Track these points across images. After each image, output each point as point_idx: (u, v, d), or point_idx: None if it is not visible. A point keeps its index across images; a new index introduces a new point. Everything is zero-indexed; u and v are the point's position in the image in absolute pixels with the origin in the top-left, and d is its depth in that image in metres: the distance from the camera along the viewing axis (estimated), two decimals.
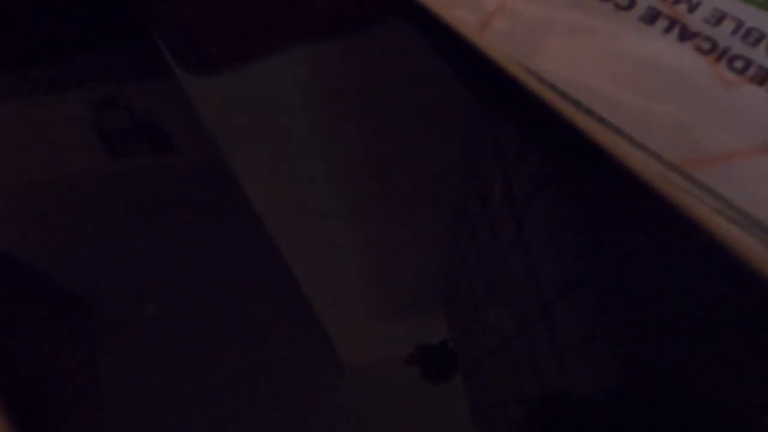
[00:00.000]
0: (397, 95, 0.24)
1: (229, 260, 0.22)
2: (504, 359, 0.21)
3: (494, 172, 0.23)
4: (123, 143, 0.24)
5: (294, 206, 0.23)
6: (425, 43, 0.24)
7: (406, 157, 0.24)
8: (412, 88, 0.24)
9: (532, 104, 0.22)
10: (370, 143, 0.24)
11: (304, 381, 0.21)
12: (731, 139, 0.25)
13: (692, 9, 0.28)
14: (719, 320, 0.19)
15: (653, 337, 0.20)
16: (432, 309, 0.22)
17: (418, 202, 0.23)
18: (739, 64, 0.26)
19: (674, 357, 0.19)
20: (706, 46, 0.27)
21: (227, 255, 0.22)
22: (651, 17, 0.27)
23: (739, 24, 0.27)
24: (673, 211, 0.20)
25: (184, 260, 0.22)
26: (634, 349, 0.20)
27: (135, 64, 0.24)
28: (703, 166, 0.24)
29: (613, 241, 0.21)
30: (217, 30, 0.24)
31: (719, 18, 0.27)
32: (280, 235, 0.22)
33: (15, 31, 0.24)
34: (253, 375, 0.21)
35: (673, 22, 0.28)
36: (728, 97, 0.26)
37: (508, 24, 0.27)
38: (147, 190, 0.23)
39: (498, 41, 0.26)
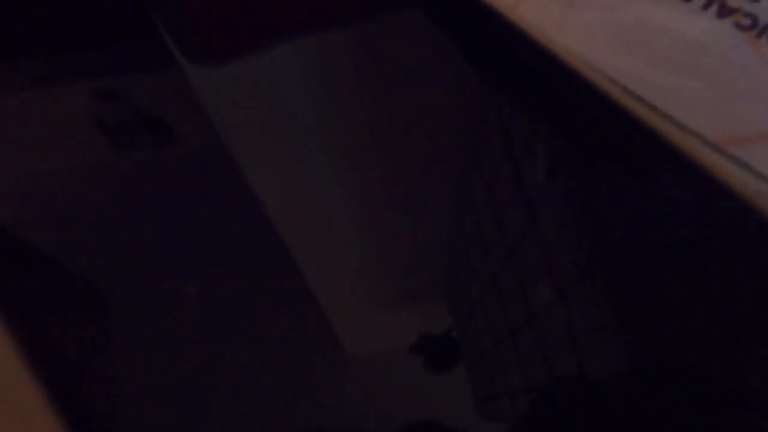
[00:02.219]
0: (402, 84, 0.25)
1: (232, 251, 0.23)
2: (510, 349, 0.21)
3: (502, 161, 0.23)
4: (124, 136, 0.25)
5: (298, 197, 0.24)
6: (434, 30, 0.24)
7: (411, 147, 0.24)
8: (417, 77, 0.24)
9: (569, 83, 0.22)
10: (375, 133, 0.24)
11: (308, 370, 0.21)
12: None
13: None
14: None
15: (677, 325, 0.20)
16: (435, 299, 0.22)
17: (422, 193, 0.23)
18: None
19: (699, 343, 0.19)
20: (746, 22, 0.26)
21: (230, 246, 0.23)
22: None
23: None
24: (715, 191, 0.20)
25: (187, 251, 0.23)
26: (652, 337, 0.20)
27: (135, 57, 0.25)
28: (744, 145, 0.24)
29: (634, 228, 0.21)
30: (223, 19, 0.25)
31: None
32: (283, 226, 0.23)
33: (16, 25, 0.25)
34: (258, 366, 0.21)
35: None
36: None
37: (541, 1, 0.27)
38: (149, 182, 0.24)
39: (531, 18, 0.26)
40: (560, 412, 0.19)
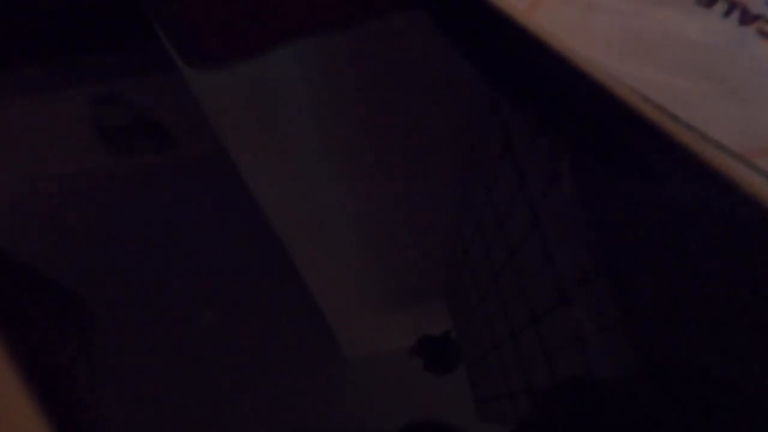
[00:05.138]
0: (402, 85, 0.25)
1: (232, 255, 0.23)
2: (511, 350, 0.21)
3: (503, 162, 0.23)
4: (123, 140, 0.25)
5: (297, 200, 0.24)
6: (435, 32, 0.24)
7: (411, 147, 0.24)
8: (417, 77, 0.25)
9: (587, 90, 0.22)
10: (374, 135, 0.25)
11: (307, 373, 0.21)
12: None
13: None
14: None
15: (683, 326, 0.19)
16: (434, 300, 0.22)
17: (422, 193, 0.24)
18: None
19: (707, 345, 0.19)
20: None
21: (230, 250, 0.23)
22: (709, 0, 0.27)
23: None
24: (736, 199, 0.19)
25: (186, 257, 0.23)
26: (658, 338, 0.19)
27: (134, 61, 0.26)
28: None
29: (640, 229, 0.21)
30: (221, 23, 0.25)
31: None
32: (283, 229, 0.23)
33: (14, 30, 0.26)
34: (257, 366, 0.21)
35: (732, 5, 0.27)
36: None
37: (559, 7, 0.27)
38: (148, 186, 0.24)
39: (548, 25, 0.26)
40: (564, 413, 0.19)
